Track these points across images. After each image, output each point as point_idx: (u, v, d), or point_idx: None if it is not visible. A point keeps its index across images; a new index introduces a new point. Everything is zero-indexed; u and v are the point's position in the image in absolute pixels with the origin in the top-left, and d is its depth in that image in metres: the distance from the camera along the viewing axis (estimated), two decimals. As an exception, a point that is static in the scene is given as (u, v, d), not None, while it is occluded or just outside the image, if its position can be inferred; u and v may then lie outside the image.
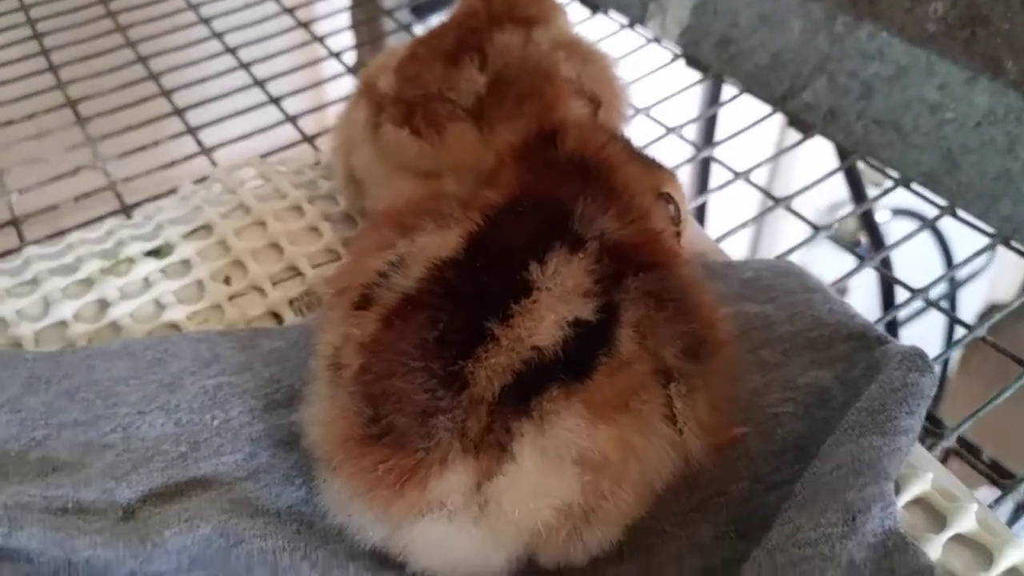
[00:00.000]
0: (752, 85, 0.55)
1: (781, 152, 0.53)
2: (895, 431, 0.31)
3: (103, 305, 0.43)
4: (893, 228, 0.82)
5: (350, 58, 0.70)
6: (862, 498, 0.30)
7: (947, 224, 0.47)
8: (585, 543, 0.30)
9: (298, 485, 0.34)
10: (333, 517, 0.31)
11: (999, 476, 0.38)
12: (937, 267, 0.99)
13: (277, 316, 0.43)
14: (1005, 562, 0.32)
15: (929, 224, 0.48)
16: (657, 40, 0.63)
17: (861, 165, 0.58)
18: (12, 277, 0.45)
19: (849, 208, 0.61)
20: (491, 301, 0.30)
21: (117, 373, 0.39)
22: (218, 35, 0.70)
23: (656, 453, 0.30)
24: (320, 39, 0.70)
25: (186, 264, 0.45)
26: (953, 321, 0.43)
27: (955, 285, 1.10)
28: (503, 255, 0.31)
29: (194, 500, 0.34)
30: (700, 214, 0.59)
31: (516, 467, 0.28)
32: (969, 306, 1.11)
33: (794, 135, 0.53)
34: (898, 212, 1.02)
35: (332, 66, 0.68)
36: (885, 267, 0.47)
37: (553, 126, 0.38)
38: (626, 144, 0.40)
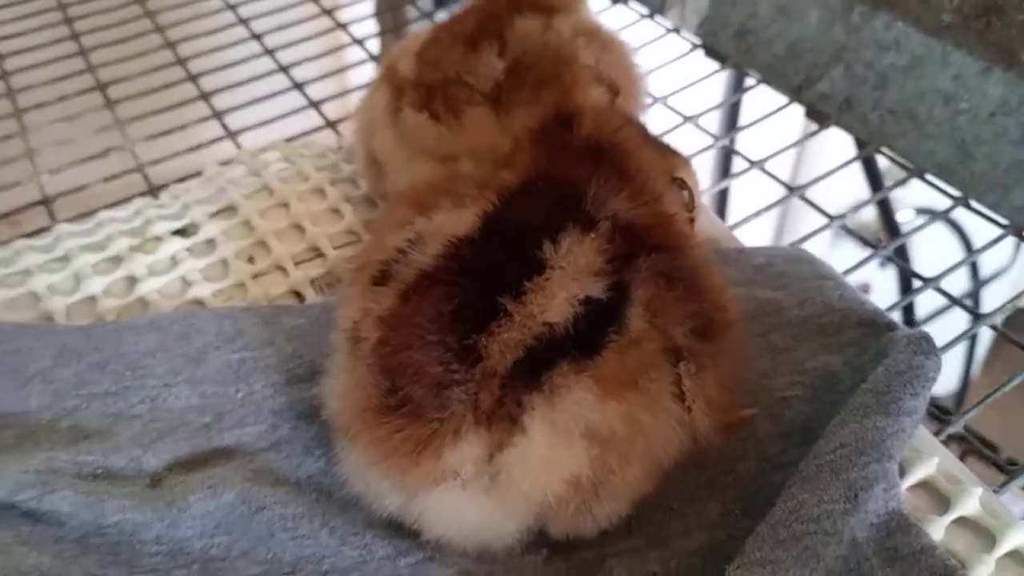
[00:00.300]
0: (769, 75, 0.55)
1: (797, 142, 0.53)
2: (899, 412, 0.32)
3: (131, 281, 0.45)
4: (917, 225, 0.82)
5: (373, 45, 0.71)
6: (864, 476, 0.30)
7: (973, 225, 0.48)
8: (594, 516, 0.31)
9: (317, 456, 0.36)
10: (351, 486, 0.32)
11: (1008, 465, 0.39)
12: (964, 272, 0.99)
13: (299, 295, 0.44)
14: (1007, 544, 0.32)
15: (943, 215, 0.49)
16: (676, 30, 0.63)
17: (884, 165, 0.59)
18: (44, 253, 0.46)
19: (873, 208, 0.61)
20: (505, 278, 0.30)
21: (145, 346, 0.40)
22: (244, 21, 0.71)
23: (664, 430, 0.31)
24: (343, 26, 0.71)
25: (211, 243, 0.46)
26: (965, 309, 0.44)
27: (979, 284, 1.09)
28: (517, 234, 0.32)
29: (218, 468, 0.35)
30: (721, 203, 0.60)
31: (527, 439, 0.29)
32: (993, 306, 1.10)
33: (813, 126, 0.54)
34: (921, 211, 1.02)
35: (355, 53, 0.69)
36: (901, 257, 0.48)
37: (570, 110, 0.39)
38: (641, 129, 0.41)
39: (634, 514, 0.32)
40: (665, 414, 0.31)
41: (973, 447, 0.41)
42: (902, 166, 0.50)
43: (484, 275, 0.31)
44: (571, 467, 0.30)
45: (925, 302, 0.46)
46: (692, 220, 0.41)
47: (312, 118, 0.61)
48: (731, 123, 0.61)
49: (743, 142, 0.54)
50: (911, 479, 0.35)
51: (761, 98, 0.58)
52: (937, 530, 0.33)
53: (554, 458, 0.30)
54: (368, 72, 0.65)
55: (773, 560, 0.29)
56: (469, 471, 0.29)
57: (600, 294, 0.31)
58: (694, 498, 0.34)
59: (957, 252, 0.99)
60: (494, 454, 0.29)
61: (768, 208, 0.49)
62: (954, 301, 0.43)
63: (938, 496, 0.34)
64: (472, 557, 0.32)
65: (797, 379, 0.38)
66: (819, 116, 0.53)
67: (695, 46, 0.62)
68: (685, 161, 0.42)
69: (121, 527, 0.33)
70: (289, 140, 0.57)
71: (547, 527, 0.31)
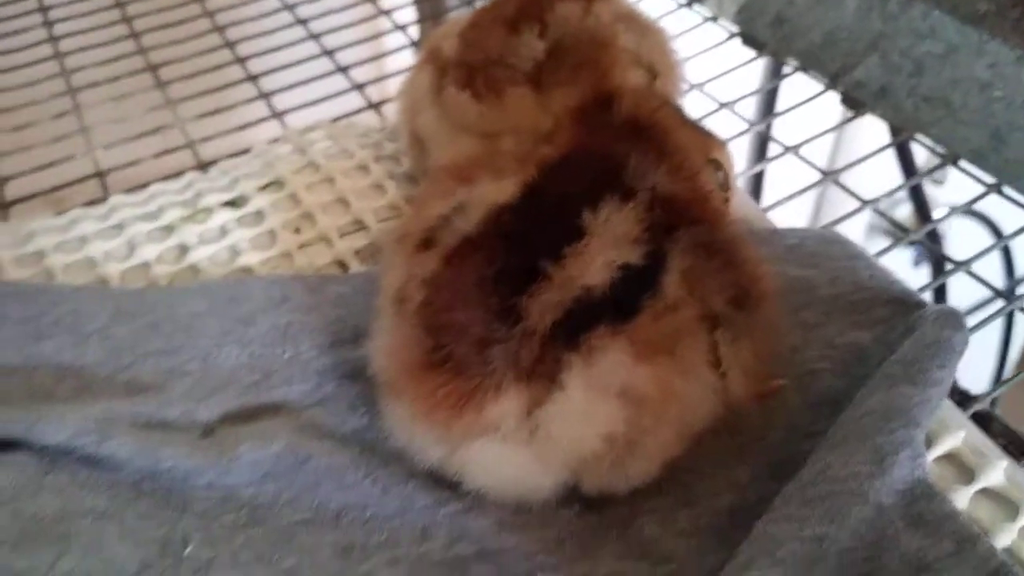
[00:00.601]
0: (806, 63, 0.56)
1: (832, 129, 0.54)
2: (926, 382, 0.33)
3: (183, 250, 0.46)
4: (953, 225, 0.82)
5: (414, 32, 0.73)
6: (891, 442, 0.31)
7: (1006, 222, 0.48)
8: (627, 473, 0.32)
9: (361, 414, 0.37)
10: (394, 440, 0.34)
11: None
12: (1000, 267, 0.98)
13: (343, 265, 0.46)
14: (1031, 514, 0.33)
15: (975, 202, 0.49)
16: (714, 19, 0.64)
17: (920, 160, 0.60)
18: (100, 222, 0.48)
19: (908, 206, 0.62)
20: (545, 243, 0.32)
21: (196, 309, 0.42)
22: (290, 7, 0.73)
23: (697, 395, 0.32)
24: (386, 12, 0.73)
25: (259, 215, 0.48)
26: (995, 292, 0.44)
27: (1015, 282, 1.09)
28: (557, 202, 0.33)
29: (266, 422, 0.36)
30: (755, 187, 0.61)
31: (564, 396, 0.31)
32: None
33: (849, 114, 0.55)
34: (955, 209, 1.02)
35: (397, 38, 0.70)
36: (932, 241, 0.48)
37: (609, 91, 0.40)
38: (679, 111, 0.42)
39: (665, 474, 0.33)
40: (699, 379, 0.32)
41: (998, 431, 0.42)
42: (936, 153, 0.51)
43: (525, 240, 0.32)
44: (606, 425, 0.31)
45: (958, 299, 0.47)
46: (727, 200, 0.42)
47: (355, 100, 0.62)
48: (767, 110, 0.62)
49: (777, 129, 0.55)
50: (937, 450, 0.35)
51: (796, 86, 0.59)
52: (961, 500, 0.34)
53: (590, 415, 0.31)
54: (408, 57, 0.67)
55: (800, 516, 0.30)
56: (509, 425, 0.31)
57: (637, 261, 0.32)
58: (724, 462, 0.35)
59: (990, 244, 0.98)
60: (533, 410, 0.31)
61: (802, 192, 0.50)
62: (985, 284, 0.44)
63: (963, 467, 0.35)
64: (509, 509, 0.33)
65: (827, 353, 0.39)
66: (855, 103, 0.54)
67: (732, 34, 0.62)
68: (721, 143, 0.43)
69: (174, 473, 0.35)
70: (333, 121, 0.58)
71: (581, 482, 0.33)
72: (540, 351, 0.31)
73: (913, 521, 0.31)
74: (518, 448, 0.31)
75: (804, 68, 0.56)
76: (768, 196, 0.61)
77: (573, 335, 0.31)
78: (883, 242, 0.49)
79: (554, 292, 0.31)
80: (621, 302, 0.31)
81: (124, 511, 0.34)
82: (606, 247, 0.32)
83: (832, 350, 0.39)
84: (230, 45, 0.69)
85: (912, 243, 0.48)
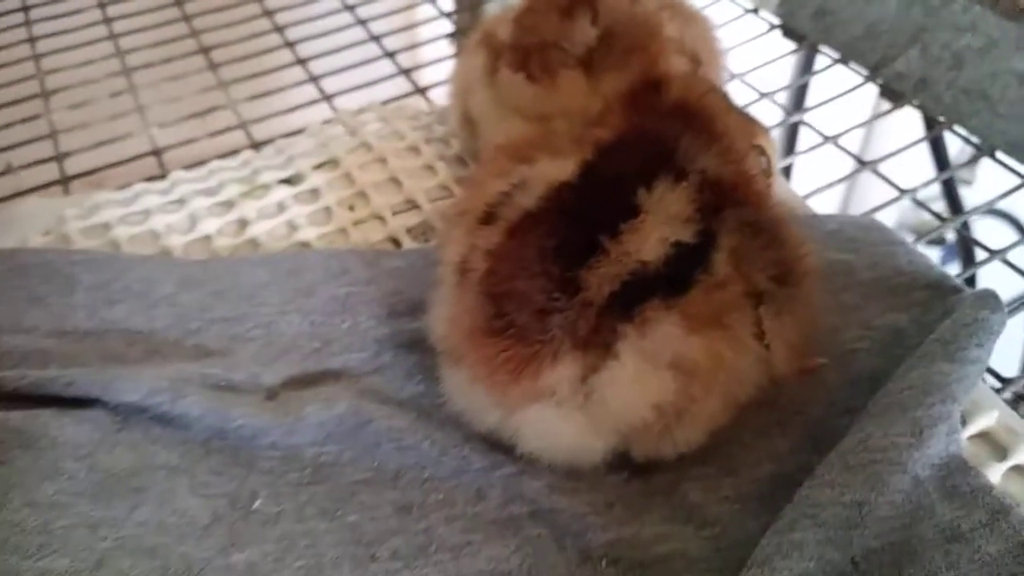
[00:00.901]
0: (846, 54, 0.57)
1: (872, 119, 0.55)
2: (964, 360, 0.34)
3: (242, 224, 0.48)
4: (987, 225, 0.83)
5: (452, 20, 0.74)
6: (929, 415, 0.33)
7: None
8: (674, 441, 0.34)
9: (417, 381, 0.39)
10: (451, 406, 0.36)
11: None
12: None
13: (396, 241, 0.47)
14: (1062, 492, 0.34)
15: (1010, 193, 0.50)
16: (755, 11, 0.65)
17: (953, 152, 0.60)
18: (162, 196, 0.50)
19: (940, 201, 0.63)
20: (602, 219, 0.33)
21: (258, 279, 0.44)
22: (337, -7, 0.75)
23: (744, 366, 0.34)
24: (432, 0, 0.75)
25: (315, 192, 0.50)
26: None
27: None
28: (613, 181, 0.35)
29: (328, 387, 0.38)
30: (786, 176, 0.62)
31: (618, 364, 0.32)
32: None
33: (886, 106, 0.56)
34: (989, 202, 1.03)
35: (442, 25, 0.72)
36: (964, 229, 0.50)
37: (658, 75, 0.42)
38: (725, 96, 0.44)
39: (710, 443, 0.35)
40: (745, 351, 0.34)
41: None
42: (972, 144, 0.52)
43: (583, 216, 0.34)
44: (657, 393, 0.33)
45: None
46: (769, 185, 0.43)
47: (402, 84, 0.64)
48: (799, 101, 0.63)
49: (815, 121, 0.56)
50: (971, 429, 0.37)
51: (833, 77, 0.60)
52: (994, 476, 0.35)
53: (642, 384, 0.32)
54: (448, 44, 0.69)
55: (841, 483, 0.31)
56: (564, 390, 0.32)
57: (689, 238, 0.34)
58: (765, 434, 0.36)
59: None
60: (588, 376, 0.32)
61: (840, 181, 0.51)
62: (1019, 272, 0.45)
63: (996, 446, 0.37)
64: (561, 473, 0.35)
65: (866, 334, 0.40)
66: (894, 95, 0.55)
67: (773, 26, 0.64)
68: (764, 129, 0.44)
69: (241, 432, 0.37)
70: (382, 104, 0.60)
71: (630, 448, 0.34)
72: (596, 321, 0.32)
73: (948, 493, 0.33)
74: (572, 413, 0.33)
75: (844, 60, 0.58)
76: (796, 186, 0.63)
77: (628, 307, 0.32)
78: (910, 239, 0.50)
79: (611, 266, 0.32)
80: (673, 277, 0.33)
81: (195, 467, 0.36)
82: (660, 225, 0.33)
83: (870, 331, 0.40)
84: (279, 29, 0.71)
85: (936, 242, 0.49)
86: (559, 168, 0.36)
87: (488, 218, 0.35)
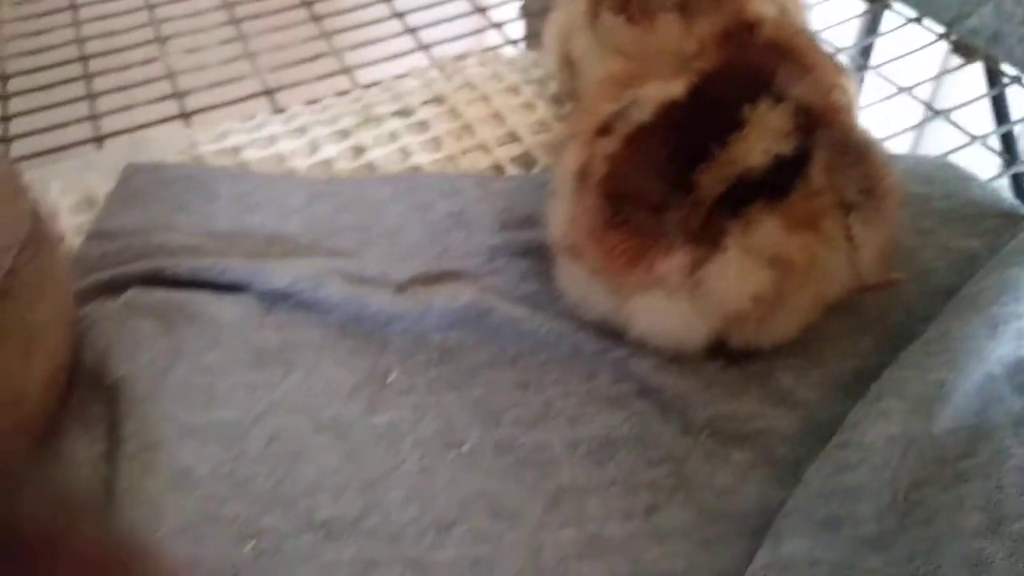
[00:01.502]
0: (923, 11, 0.61)
1: (943, 73, 0.59)
2: (1035, 269, 0.38)
3: (359, 150, 0.53)
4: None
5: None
6: (1003, 313, 0.36)
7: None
8: (770, 331, 0.38)
9: (530, 282, 0.43)
10: (567, 298, 0.40)
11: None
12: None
13: (500, 169, 0.52)
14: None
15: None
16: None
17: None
18: (284, 124, 0.55)
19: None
20: (712, 130, 0.37)
21: (380, 195, 0.48)
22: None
23: (834, 267, 0.38)
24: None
25: (424, 124, 0.54)
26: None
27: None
28: (720, 99, 0.39)
29: (451, 284, 0.43)
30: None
31: (724, 258, 0.36)
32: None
33: (954, 60, 0.59)
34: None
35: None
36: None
37: (749, 18, 0.46)
38: (812, 38, 0.47)
39: (800, 337, 0.39)
40: (836, 253, 0.38)
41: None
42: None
43: (694, 128, 0.38)
44: (757, 286, 0.36)
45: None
46: (852, 117, 0.47)
47: (493, 37, 0.68)
48: (868, 54, 0.66)
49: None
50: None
51: (900, 32, 0.63)
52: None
53: (744, 276, 0.36)
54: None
55: (924, 365, 0.35)
56: (675, 280, 0.36)
57: (788, 151, 0.37)
58: (850, 333, 0.40)
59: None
60: (697, 268, 0.36)
61: (912, 128, 0.55)
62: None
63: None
64: (666, 356, 0.39)
65: (941, 255, 0.44)
66: (966, 51, 0.58)
67: (848, -12, 0.67)
68: (845, 70, 0.48)
69: (376, 318, 0.41)
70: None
71: (729, 337, 0.38)
72: (706, 218, 0.36)
73: (1018, 387, 0.36)
74: (680, 301, 0.37)
75: (919, 18, 0.61)
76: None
77: (735, 207, 0.36)
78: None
79: (720, 169, 0.36)
80: (775, 184, 0.37)
81: (335, 345, 0.41)
82: (763, 137, 0.37)
83: (946, 252, 0.44)
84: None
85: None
86: (668, 89, 0.40)
87: (605, 130, 0.39)
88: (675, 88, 0.39)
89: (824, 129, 0.39)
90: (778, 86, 0.40)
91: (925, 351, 0.36)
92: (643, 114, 0.39)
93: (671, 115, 0.38)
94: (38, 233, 0.36)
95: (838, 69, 0.47)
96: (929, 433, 0.34)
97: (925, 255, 0.44)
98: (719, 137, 0.37)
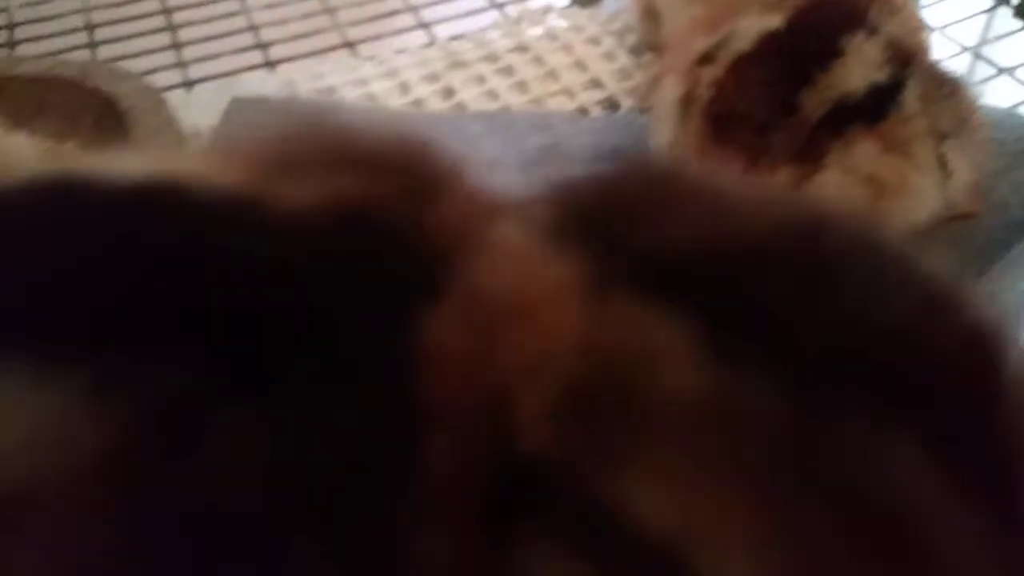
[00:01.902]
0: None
1: (1005, 36, 0.61)
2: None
3: (449, 92, 0.55)
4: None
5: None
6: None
7: None
8: (863, 249, 0.40)
9: (626, 208, 0.45)
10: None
11: None
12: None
13: (586, 111, 0.54)
14: None
15: None
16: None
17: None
18: (376, 67, 0.57)
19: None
20: (811, 57, 0.40)
21: (475, 131, 0.51)
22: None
23: (927, 190, 0.40)
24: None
25: (510, 69, 0.57)
26: None
27: None
28: (817, 30, 0.41)
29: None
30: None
31: (825, 175, 0.38)
32: None
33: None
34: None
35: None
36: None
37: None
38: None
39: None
40: (928, 176, 0.40)
41: None
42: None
43: (795, 54, 0.40)
44: (855, 202, 0.39)
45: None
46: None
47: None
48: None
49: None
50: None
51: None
52: None
53: (844, 192, 0.39)
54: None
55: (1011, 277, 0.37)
56: (778, 196, 0.39)
57: (884, 80, 0.40)
58: (938, 252, 0.42)
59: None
60: (800, 184, 0.39)
61: (979, 83, 0.57)
62: None
63: None
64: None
65: (1016, 191, 0.46)
66: (1028, 12, 0.60)
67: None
68: (924, 24, 0.50)
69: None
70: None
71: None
72: (808, 139, 0.38)
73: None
74: (781, 217, 0.39)
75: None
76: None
77: (834, 128, 0.39)
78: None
79: (822, 92, 0.39)
80: (871, 109, 0.39)
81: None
82: (860, 65, 0.39)
83: (1020, 187, 0.46)
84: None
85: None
86: (766, 22, 0.42)
87: (707, 59, 0.42)
88: (773, 20, 0.42)
89: (916, 64, 0.41)
90: (871, 21, 0.42)
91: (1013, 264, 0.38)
92: (744, 43, 0.41)
93: (772, 44, 0.41)
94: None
95: (919, 17, 0.49)
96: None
97: (1001, 192, 0.46)
98: (820, 63, 0.39)
